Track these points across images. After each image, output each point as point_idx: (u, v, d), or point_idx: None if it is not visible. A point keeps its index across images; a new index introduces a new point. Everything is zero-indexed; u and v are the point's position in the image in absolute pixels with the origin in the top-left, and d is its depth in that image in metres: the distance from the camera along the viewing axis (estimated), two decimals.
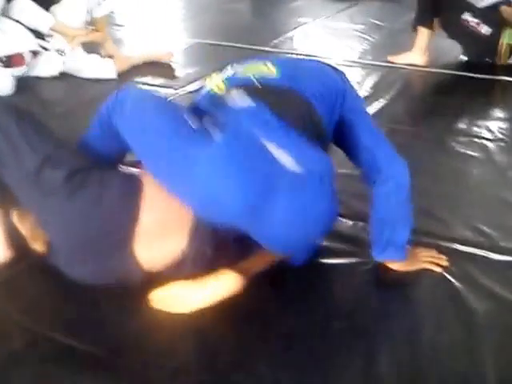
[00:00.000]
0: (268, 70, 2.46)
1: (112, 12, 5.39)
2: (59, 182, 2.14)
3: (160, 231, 2.19)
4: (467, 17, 4.89)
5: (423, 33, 5.04)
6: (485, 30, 4.86)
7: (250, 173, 2.05)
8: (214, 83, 2.46)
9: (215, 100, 2.37)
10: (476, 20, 4.87)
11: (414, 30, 5.10)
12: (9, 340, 2.16)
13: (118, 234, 2.16)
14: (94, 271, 2.22)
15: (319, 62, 2.80)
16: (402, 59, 5.10)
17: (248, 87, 2.34)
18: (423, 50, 5.06)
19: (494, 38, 4.88)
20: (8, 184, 2.24)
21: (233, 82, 2.42)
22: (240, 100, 2.29)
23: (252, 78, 2.40)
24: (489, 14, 4.90)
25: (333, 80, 2.55)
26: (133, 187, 2.20)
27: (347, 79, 2.65)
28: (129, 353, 2.10)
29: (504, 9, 4.91)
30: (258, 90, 2.34)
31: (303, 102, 2.34)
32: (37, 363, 2.07)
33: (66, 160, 2.22)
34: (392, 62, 5.10)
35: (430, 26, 5.03)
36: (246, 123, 2.18)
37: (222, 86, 2.41)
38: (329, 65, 2.71)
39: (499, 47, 4.88)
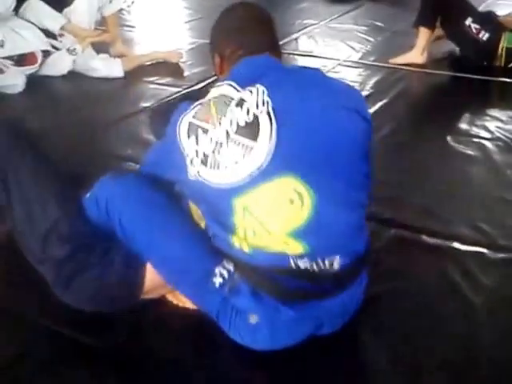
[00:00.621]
0: (300, 211, 1.88)
1: (122, 9, 5.37)
2: (61, 262, 2.07)
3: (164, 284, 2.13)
4: (469, 22, 4.84)
5: (424, 33, 5.00)
6: (485, 36, 4.82)
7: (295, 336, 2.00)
8: (238, 237, 1.91)
9: (246, 271, 1.93)
10: (477, 26, 4.82)
11: (416, 28, 5.06)
12: (14, 335, 2.16)
13: (123, 299, 2.12)
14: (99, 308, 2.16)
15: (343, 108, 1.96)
16: (402, 59, 5.07)
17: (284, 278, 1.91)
18: (423, 50, 5.03)
19: (493, 43, 4.84)
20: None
21: (264, 261, 1.91)
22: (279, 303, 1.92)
23: (285, 256, 1.89)
24: (489, 21, 4.88)
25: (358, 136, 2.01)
26: (136, 263, 2.08)
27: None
28: (132, 346, 2.08)
29: (505, 20, 4.92)
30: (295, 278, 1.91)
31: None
32: (40, 357, 2.06)
33: (67, 234, 2.11)
34: (393, 64, 5.07)
35: (431, 27, 4.99)
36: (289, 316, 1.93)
37: (248, 250, 1.91)
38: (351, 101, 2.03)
39: (499, 51, 4.83)
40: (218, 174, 1.87)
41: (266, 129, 1.83)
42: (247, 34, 2.13)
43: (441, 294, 2.37)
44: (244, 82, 1.92)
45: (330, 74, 4.73)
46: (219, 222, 1.93)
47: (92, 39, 4.91)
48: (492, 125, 3.91)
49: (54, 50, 4.73)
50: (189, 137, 1.91)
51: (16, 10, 4.64)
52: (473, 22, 4.84)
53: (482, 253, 2.61)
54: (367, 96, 4.33)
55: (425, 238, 2.69)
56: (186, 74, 4.91)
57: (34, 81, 4.52)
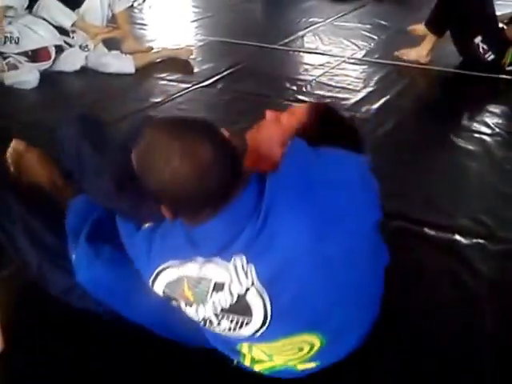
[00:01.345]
0: (309, 352, 1.74)
1: (133, 7, 5.37)
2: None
3: None
4: (478, 41, 4.73)
5: (431, 37, 4.95)
6: (490, 57, 4.75)
7: None
8: (246, 360, 1.82)
9: None
10: (485, 47, 4.72)
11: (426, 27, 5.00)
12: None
13: None
14: None
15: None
16: (407, 54, 5.03)
17: None
18: (428, 51, 4.98)
19: (497, 62, 4.77)
20: None
21: (274, 374, 1.83)
22: None
23: (296, 369, 1.80)
24: (497, 39, 4.79)
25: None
26: None
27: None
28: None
29: (508, 29, 4.86)
30: None
31: None
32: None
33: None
34: (398, 57, 5.04)
35: (439, 34, 4.94)
36: None
37: (257, 369, 1.83)
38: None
39: (502, 66, 4.77)
40: (215, 332, 1.71)
41: (258, 303, 1.56)
42: (210, 184, 1.45)
43: (442, 284, 2.38)
44: (216, 249, 1.54)
45: (334, 71, 4.74)
46: (224, 344, 1.81)
47: (103, 36, 4.92)
48: (492, 121, 3.91)
49: (66, 46, 4.75)
50: (170, 301, 1.70)
51: (29, 9, 4.66)
52: (482, 41, 4.73)
53: (482, 244, 2.62)
54: (371, 92, 4.35)
55: (426, 230, 2.70)
56: (195, 70, 4.91)
57: (47, 76, 4.54)
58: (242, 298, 1.56)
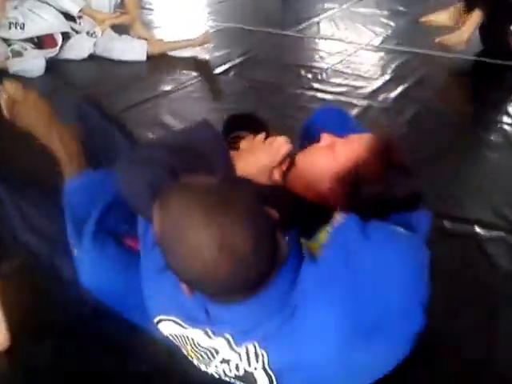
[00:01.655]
0: None
1: None
2: None
3: None
4: None
5: (477, 16, 4.64)
6: None
7: None
8: None
9: None
10: None
11: (466, 12, 4.76)
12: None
13: None
14: None
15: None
16: (448, 40, 4.79)
17: None
18: (469, 34, 4.66)
19: None
20: None
21: None
22: None
23: None
24: None
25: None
26: None
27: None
28: None
29: None
30: None
31: None
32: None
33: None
34: (440, 42, 4.79)
35: (487, 10, 4.61)
36: None
37: None
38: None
39: None
40: None
41: (265, 380, 1.48)
42: (243, 278, 1.28)
43: (461, 278, 2.36)
44: (231, 333, 1.45)
45: (351, 59, 4.70)
46: None
47: (110, 22, 4.88)
48: None
49: (73, 33, 4.72)
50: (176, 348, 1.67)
51: None
52: None
53: (502, 237, 2.60)
54: (389, 80, 4.32)
55: (446, 222, 2.68)
56: (206, 57, 4.87)
57: (53, 65, 4.52)
58: (248, 374, 1.49)
